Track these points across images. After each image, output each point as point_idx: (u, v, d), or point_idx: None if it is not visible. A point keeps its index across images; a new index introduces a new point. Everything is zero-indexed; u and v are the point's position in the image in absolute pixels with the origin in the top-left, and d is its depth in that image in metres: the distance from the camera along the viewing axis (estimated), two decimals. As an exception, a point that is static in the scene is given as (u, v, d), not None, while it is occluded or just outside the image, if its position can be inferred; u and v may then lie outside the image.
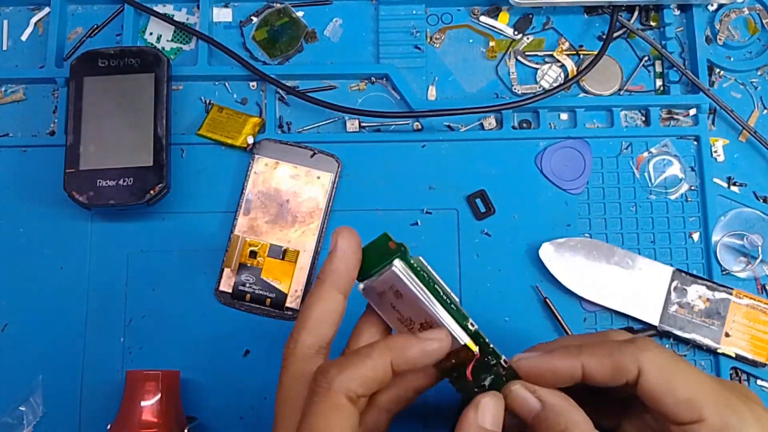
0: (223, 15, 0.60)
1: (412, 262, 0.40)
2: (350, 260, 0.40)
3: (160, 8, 0.60)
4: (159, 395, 0.49)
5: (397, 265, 0.39)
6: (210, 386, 0.53)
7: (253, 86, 0.58)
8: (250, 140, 0.56)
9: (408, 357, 0.37)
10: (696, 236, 0.56)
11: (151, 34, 0.60)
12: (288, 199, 0.55)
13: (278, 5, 0.59)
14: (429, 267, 0.40)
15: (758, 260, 0.55)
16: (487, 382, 0.40)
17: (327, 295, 0.39)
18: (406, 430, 0.51)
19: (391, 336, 0.39)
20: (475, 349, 0.40)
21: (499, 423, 0.38)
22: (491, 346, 0.40)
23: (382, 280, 0.40)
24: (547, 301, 0.54)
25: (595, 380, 0.38)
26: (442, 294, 0.40)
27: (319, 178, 0.56)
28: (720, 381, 0.39)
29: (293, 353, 0.39)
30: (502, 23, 0.60)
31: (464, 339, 0.39)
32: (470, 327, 0.40)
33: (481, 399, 0.38)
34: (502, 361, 0.40)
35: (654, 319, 0.53)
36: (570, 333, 0.53)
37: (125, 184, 0.52)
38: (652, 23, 0.60)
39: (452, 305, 0.40)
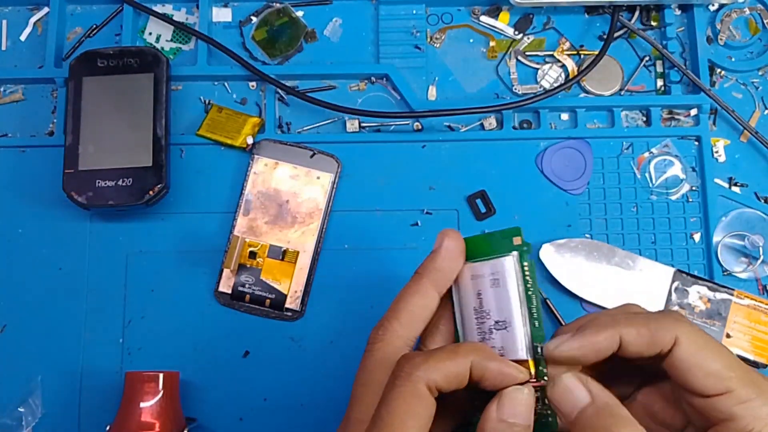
0: (222, 15, 0.60)
1: (526, 264, 0.39)
2: (454, 261, 0.40)
3: (159, 8, 0.60)
4: (158, 396, 0.48)
5: (515, 257, 0.39)
6: (209, 387, 0.53)
7: (253, 86, 0.58)
8: (250, 140, 0.55)
9: (488, 367, 0.37)
10: (697, 237, 0.56)
11: (150, 34, 0.59)
12: (288, 200, 0.55)
13: (278, 5, 0.59)
14: (535, 276, 0.40)
15: (759, 261, 0.55)
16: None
17: (424, 291, 0.39)
18: None
19: (477, 343, 0.39)
20: (533, 371, 0.38)
21: (524, 416, 0.36)
22: (545, 379, 0.38)
23: (491, 265, 0.40)
24: (548, 302, 0.54)
25: (630, 351, 0.37)
26: (534, 307, 0.39)
27: (318, 178, 0.55)
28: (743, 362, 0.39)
29: (382, 339, 0.39)
30: (503, 23, 0.60)
31: (527, 356, 0.38)
32: (539, 350, 0.38)
33: (503, 390, 0.37)
34: (544, 399, 0.38)
35: (655, 320, 0.53)
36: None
37: (124, 184, 0.52)
38: (653, 23, 0.60)
39: (536, 321, 0.39)
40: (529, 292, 0.39)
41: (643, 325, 0.38)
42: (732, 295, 0.53)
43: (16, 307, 0.54)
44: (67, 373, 0.53)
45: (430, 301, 0.40)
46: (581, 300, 0.54)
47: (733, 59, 0.59)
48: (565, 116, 0.58)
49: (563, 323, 0.53)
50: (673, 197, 0.56)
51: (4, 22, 0.59)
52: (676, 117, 0.58)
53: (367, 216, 0.56)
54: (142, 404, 0.48)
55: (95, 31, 0.59)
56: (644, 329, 0.37)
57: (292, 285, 0.54)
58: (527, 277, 0.39)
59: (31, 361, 0.53)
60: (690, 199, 0.56)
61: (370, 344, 0.39)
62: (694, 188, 0.56)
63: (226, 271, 0.54)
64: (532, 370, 0.38)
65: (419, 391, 0.36)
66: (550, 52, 0.59)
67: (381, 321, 0.40)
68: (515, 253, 0.39)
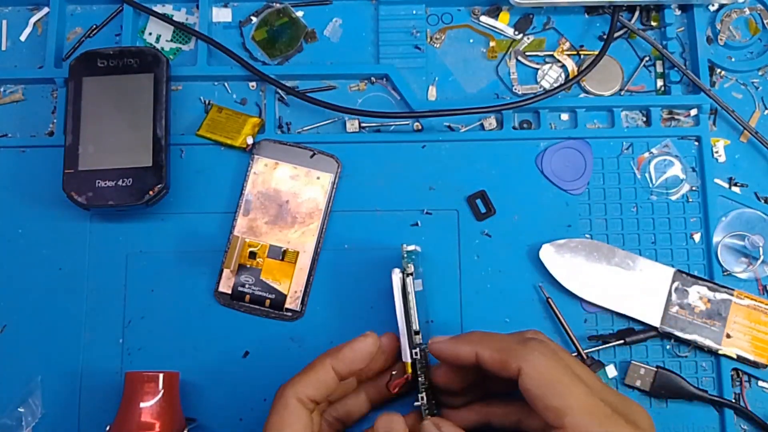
0: (222, 15, 0.60)
1: (410, 275, 0.48)
2: (357, 359, 0.46)
3: (159, 8, 0.60)
4: (158, 396, 0.49)
5: (397, 272, 0.48)
6: (209, 387, 0.53)
7: (253, 86, 0.58)
8: (250, 141, 0.55)
9: (343, 357, 0.45)
10: (697, 237, 0.56)
11: (150, 34, 0.59)
12: (287, 200, 0.55)
13: (278, 5, 0.59)
14: (414, 288, 0.48)
15: (759, 261, 0.55)
16: (417, 403, 0.48)
17: (326, 369, 0.46)
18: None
19: (330, 349, 0.47)
20: (410, 371, 0.48)
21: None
22: (420, 379, 0.48)
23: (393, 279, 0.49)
24: (550, 301, 0.54)
25: (488, 368, 0.44)
26: (411, 318, 0.48)
27: (318, 178, 0.55)
28: (605, 398, 0.42)
29: (282, 395, 0.46)
30: (503, 23, 0.60)
31: (408, 359, 0.48)
32: (415, 353, 0.48)
33: (378, 418, 0.45)
34: (419, 396, 0.48)
35: (655, 321, 0.53)
36: (571, 334, 0.53)
37: (124, 184, 0.52)
38: (653, 23, 0.60)
39: (413, 330, 0.48)
40: (409, 304, 0.48)
41: (497, 350, 0.44)
42: (732, 295, 0.53)
43: (16, 307, 0.54)
44: (67, 373, 0.53)
45: (330, 379, 0.45)
46: (581, 300, 0.54)
47: (733, 59, 0.59)
48: (565, 116, 0.58)
49: (564, 324, 0.53)
50: (673, 197, 0.56)
51: (4, 22, 0.59)
52: (676, 117, 0.58)
53: (367, 216, 0.56)
54: (142, 404, 0.48)
55: (95, 31, 0.59)
56: (496, 354, 0.44)
57: (292, 285, 0.54)
58: (408, 289, 0.48)
59: (31, 361, 0.53)
60: (690, 199, 0.56)
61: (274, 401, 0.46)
62: (694, 188, 0.56)
63: (226, 272, 0.54)
64: (409, 371, 0.48)
65: (289, 404, 0.44)
66: (550, 53, 0.59)
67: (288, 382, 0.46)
68: (396, 269, 0.48)
